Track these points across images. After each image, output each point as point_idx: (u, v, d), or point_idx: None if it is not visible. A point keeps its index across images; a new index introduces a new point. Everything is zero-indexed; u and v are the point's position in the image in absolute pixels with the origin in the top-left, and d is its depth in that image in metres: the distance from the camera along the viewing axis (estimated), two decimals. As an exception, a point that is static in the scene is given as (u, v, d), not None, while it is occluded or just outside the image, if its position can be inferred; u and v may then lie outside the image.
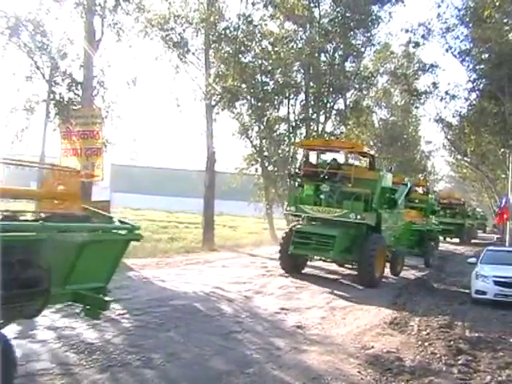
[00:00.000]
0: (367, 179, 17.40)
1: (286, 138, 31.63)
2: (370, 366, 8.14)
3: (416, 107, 43.97)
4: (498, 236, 44.97)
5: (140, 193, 57.63)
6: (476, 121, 36.24)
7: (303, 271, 17.77)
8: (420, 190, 28.08)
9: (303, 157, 19.19)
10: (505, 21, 30.97)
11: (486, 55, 33.48)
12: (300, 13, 29.29)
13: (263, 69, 29.97)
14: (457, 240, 41.90)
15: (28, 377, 6.57)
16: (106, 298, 6.49)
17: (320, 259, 17.95)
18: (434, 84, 38.04)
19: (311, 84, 30.97)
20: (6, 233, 4.99)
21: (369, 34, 32.04)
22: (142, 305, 10.89)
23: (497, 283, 14.11)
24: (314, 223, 17.77)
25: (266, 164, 31.48)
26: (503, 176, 40.58)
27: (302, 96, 31.65)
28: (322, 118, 31.96)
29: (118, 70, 20.17)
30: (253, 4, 27.63)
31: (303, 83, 31.38)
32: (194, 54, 27.42)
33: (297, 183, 19.38)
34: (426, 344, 9.68)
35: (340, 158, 19.58)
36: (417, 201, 26.18)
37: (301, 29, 30.74)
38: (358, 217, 16.43)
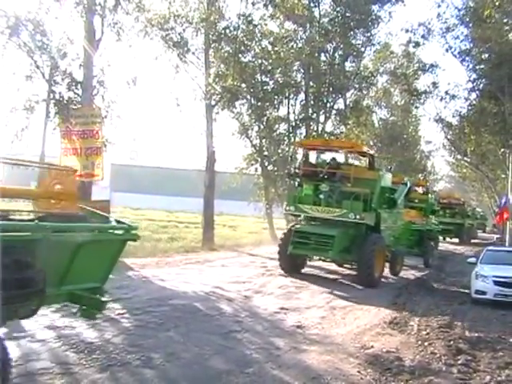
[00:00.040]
0: (367, 179, 17.38)
1: (285, 138, 31.63)
2: (370, 366, 8.15)
3: (416, 107, 43.96)
4: (498, 236, 44.97)
5: (140, 192, 57.62)
6: (476, 121, 36.23)
7: (303, 271, 17.76)
8: (420, 189, 28.07)
9: (303, 156, 19.16)
10: (505, 21, 30.97)
11: (486, 55, 33.48)
12: (300, 12, 29.28)
13: (263, 68, 29.97)
14: (456, 240, 41.90)
15: (28, 376, 6.58)
16: (103, 299, 6.49)
17: (319, 259, 17.95)
18: (434, 84, 38.04)
19: (311, 84, 30.97)
20: (0, 233, 4.94)
21: (369, 34, 32.03)
22: (142, 304, 10.88)
23: (497, 283, 14.11)
24: (313, 223, 17.75)
25: (266, 164, 31.49)
26: (503, 176, 40.56)
27: (301, 96, 31.67)
28: (321, 118, 31.98)
29: (118, 70, 20.22)
30: (253, 4, 27.63)
31: (303, 83, 31.38)
32: (193, 53, 27.44)
33: (296, 183, 19.35)
34: (426, 344, 9.68)
35: (340, 157, 19.57)
36: (416, 200, 26.16)
37: (301, 28, 30.74)
38: (358, 217, 16.39)
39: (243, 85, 28.92)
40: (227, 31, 27.29)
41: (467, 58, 35.02)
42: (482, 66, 34.38)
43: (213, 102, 27.33)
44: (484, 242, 38.17)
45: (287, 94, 31.14)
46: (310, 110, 31.34)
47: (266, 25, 29.96)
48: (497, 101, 33.69)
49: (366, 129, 41.36)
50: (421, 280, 19.43)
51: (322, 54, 31.76)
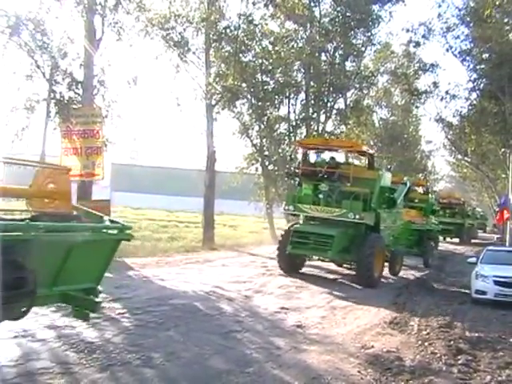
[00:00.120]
0: (366, 178, 17.35)
1: (286, 138, 31.63)
2: (370, 366, 8.14)
3: (416, 107, 43.98)
4: (499, 236, 44.96)
5: (140, 192, 57.64)
6: (476, 120, 36.21)
7: (303, 271, 17.75)
8: (420, 189, 28.07)
9: (302, 156, 19.13)
10: (505, 20, 30.97)
11: (487, 55, 33.46)
12: (300, 12, 29.28)
13: (263, 68, 29.97)
14: (457, 240, 41.90)
15: (28, 376, 6.57)
16: (97, 299, 6.45)
17: (318, 259, 17.92)
18: (435, 84, 38.02)
19: (312, 83, 30.96)
20: None
21: (369, 34, 31.98)
22: (142, 304, 10.88)
23: (497, 283, 14.11)
24: (312, 223, 17.72)
25: (267, 163, 31.49)
26: (503, 176, 40.55)
27: (302, 95, 31.64)
28: (322, 118, 31.96)
29: (119, 69, 20.19)
30: (253, 3, 27.62)
31: (303, 83, 31.37)
32: (194, 53, 27.42)
33: (295, 182, 19.30)
34: (426, 344, 9.67)
35: (340, 157, 19.55)
36: (416, 200, 26.16)
37: (301, 28, 30.72)
38: (357, 216, 16.34)
39: (244, 84, 28.93)
40: (228, 31, 27.29)
41: (468, 58, 35.01)
42: (482, 66, 34.36)
43: (213, 102, 27.34)
44: (484, 242, 38.14)
45: (288, 94, 31.13)
46: (311, 110, 31.34)
47: (266, 24, 29.99)
48: (497, 101, 33.67)
49: (366, 128, 41.37)
50: (421, 280, 19.43)
51: (323, 54, 31.75)
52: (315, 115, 31.50)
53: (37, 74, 18.26)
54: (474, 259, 16.76)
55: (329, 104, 32.03)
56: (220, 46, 27.89)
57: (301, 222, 18.28)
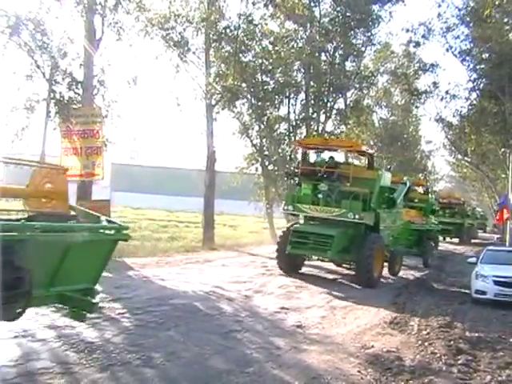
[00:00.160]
0: (366, 178, 17.31)
1: (286, 138, 31.62)
2: (370, 366, 8.14)
3: (416, 107, 44.00)
4: (499, 236, 44.96)
5: (140, 192, 57.67)
6: (476, 120, 36.22)
7: (302, 271, 17.74)
8: (420, 189, 28.06)
9: (302, 155, 19.10)
10: (505, 20, 30.97)
11: (487, 55, 33.48)
12: (300, 12, 29.26)
13: (263, 68, 29.96)
14: (456, 240, 41.90)
15: (28, 376, 6.57)
16: (94, 300, 6.39)
17: (318, 259, 17.88)
18: (435, 83, 38.07)
19: (311, 83, 30.95)
20: None
21: (369, 34, 31.99)
22: (142, 304, 10.89)
23: (497, 283, 14.11)
24: (312, 223, 17.69)
25: (267, 163, 31.48)
26: (503, 176, 40.56)
27: (302, 95, 31.63)
28: (322, 118, 31.95)
29: (119, 69, 20.20)
30: (253, 3, 27.60)
31: (303, 82, 31.36)
32: (194, 53, 27.41)
33: (295, 182, 19.26)
34: (426, 344, 9.67)
35: (340, 156, 19.53)
36: (416, 200, 26.14)
37: (301, 28, 30.71)
38: (357, 216, 16.28)
39: (243, 84, 28.92)
40: (228, 31, 27.29)
41: (467, 58, 35.04)
42: (482, 66, 34.38)
43: (213, 102, 27.33)
44: (484, 242, 38.16)
45: (288, 94, 31.12)
46: (311, 110, 31.33)
47: (266, 24, 29.96)
48: (497, 100, 33.69)
49: (366, 128, 41.37)
50: (421, 280, 19.43)
51: (323, 54, 31.75)
52: (315, 115, 31.50)
53: (37, 74, 18.26)
54: (473, 259, 16.76)
55: (329, 104, 32.02)
56: (220, 46, 27.89)
57: (301, 221, 18.26)
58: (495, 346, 9.72)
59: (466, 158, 45.80)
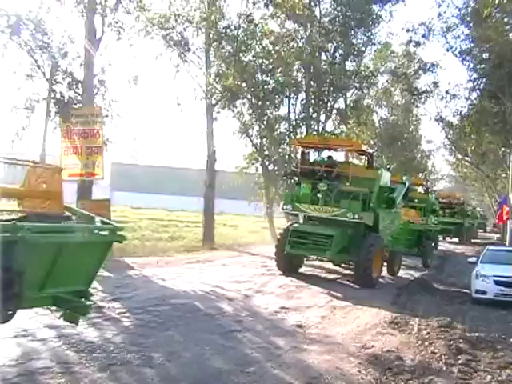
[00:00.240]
0: (365, 178, 17.21)
1: (286, 137, 31.62)
2: (370, 366, 8.14)
3: (416, 106, 44.07)
4: (499, 235, 44.98)
5: (140, 191, 57.70)
6: (476, 120, 36.23)
7: (303, 270, 17.72)
8: (420, 189, 28.04)
9: (301, 154, 19.05)
10: (505, 20, 30.97)
11: (487, 55, 33.47)
12: (300, 12, 29.27)
13: (264, 68, 29.96)
14: (457, 240, 41.88)
15: (28, 375, 6.57)
16: (88, 302, 6.32)
17: (316, 259, 17.82)
18: (435, 83, 38.15)
19: (312, 83, 30.96)
20: None
21: (369, 34, 32.04)
22: (143, 303, 10.89)
23: (497, 283, 14.10)
24: (311, 222, 17.63)
25: (267, 163, 31.47)
26: (504, 175, 40.62)
27: (302, 95, 31.65)
28: (322, 117, 31.99)
29: (119, 69, 20.23)
30: (253, 3, 27.57)
31: (304, 82, 31.37)
32: (194, 52, 27.39)
33: (293, 182, 19.19)
34: (426, 343, 9.67)
35: (340, 156, 19.50)
36: (416, 200, 26.12)
37: (301, 28, 30.73)
38: (356, 216, 16.14)
39: (244, 84, 28.89)
40: (228, 30, 27.27)
41: (468, 58, 35.03)
42: (482, 66, 34.38)
43: (213, 102, 27.32)
44: (484, 242, 38.17)
45: (288, 94, 31.14)
46: (311, 110, 31.33)
47: (266, 24, 30.00)
48: (497, 100, 33.70)
49: (366, 128, 41.41)
50: (421, 280, 19.40)
51: (323, 54, 31.78)
52: (315, 115, 31.51)
53: (37, 74, 18.29)
54: (474, 259, 16.77)
55: (329, 104, 32.04)
56: (220, 46, 27.86)
57: (301, 221, 18.23)
58: (495, 345, 9.72)
59: (466, 158, 45.82)
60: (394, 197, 18.78)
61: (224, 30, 27.21)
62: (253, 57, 29.76)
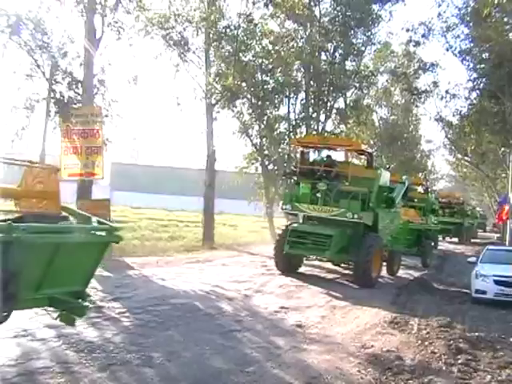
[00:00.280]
0: (365, 177, 17.16)
1: (286, 137, 31.62)
2: (370, 365, 8.14)
3: (416, 106, 44.06)
4: (499, 235, 44.98)
5: (140, 191, 57.71)
6: (476, 120, 36.24)
7: (302, 270, 17.70)
8: (420, 188, 28.03)
9: (300, 154, 19.02)
10: (505, 20, 30.97)
11: (487, 54, 33.48)
12: (300, 12, 29.25)
13: (263, 68, 29.96)
14: (456, 239, 41.88)
15: (28, 375, 6.56)
16: (84, 303, 6.30)
17: (316, 259, 17.78)
18: (435, 83, 38.16)
19: (311, 83, 30.96)
20: None
21: (369, 33, 32.02)
22: (142, 303, 10.88)
23: (497, 282, 14.10)
24: (310, 222, 17.59)
25: (267, 163, 31.48)
26: (503, 175, 40.62)
27: (302, 95, 31.64)
28: (322, 117, 31.98)
29: (119, 69, 20.27)
30: (253, 3, 27.58)
31: (303, 82, 31.36)
32: (194, 52, 27.41)
33: (293, 181, 19.16)
34: (426, 343, 9.66)
35: (340, 156, 19.46)
36: (416, 200, 26.10)
37: (301, 28, 30.72)
38: (355, 216, 16.10)
39: (243, 84, 28.90)
40: (228, 30, 27.28)
41: (467, 58, 35.04)
42: (482, 66, 34.38)
43: (213, 101, 27.33)
44: (484, 242, 38.16)
45: (287, 93, 31.13)
46: (311, 109, 31.32)
47: (266, 24, 30.00)
48: (497, 100, 33.71)
49: (366, 128, 41.39)
50: (421, 280, 19.40)
51: (323, 53, 31.76)
52: (315, 115, 31.50)
53: (37, 74, 18.31)
54: (473, 259, 16.76)
55: (329, 103, 32.04)
56: (220, 46, 27.87)
57: (300, 221, 18.21)
58: (495, 345, 9.71)
59: (465, 158, 45.82)
60: (394, 196, 18.72)
61: (224, 30, 27.22)
62: (252, 56, 29.77)
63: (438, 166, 70.03)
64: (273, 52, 29.96)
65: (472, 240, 43.37)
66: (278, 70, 30.18)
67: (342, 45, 31.10)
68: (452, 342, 9.71)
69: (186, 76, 29.84)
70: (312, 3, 30.46)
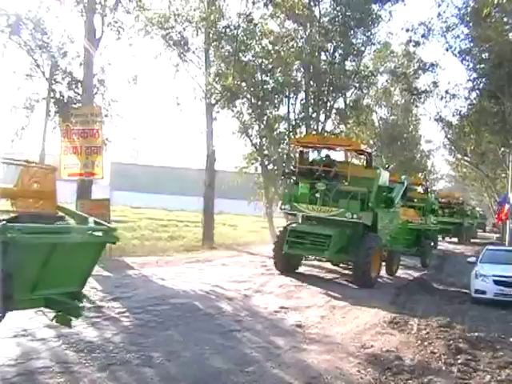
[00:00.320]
0: (364, 177, 17.13)
1: (286, 137, 31.60)
2: (370, 365, 8.14)
3: (416, 106, 43.99)
4: (498, 235, 44.98)
5: (140, 191, 57.70)
6: (476, 120, 36.22)
7: (302, 270, 17.70)
8: (419, 188, 28.02)
9: (299, 154, 19.00)
10: (505, 20, 30.97)
11: (486, 54, 33.45)
12: (300, 12, 29.22)
13: (263, 68, 29.93)
14: (456, 239, 41.89)
15: (28, 375, 6.57)
16: (80, 304, 6.27)
17: (315, 259, 17.76)
18: (434, 83, 38.12)
19: (311, 83, 30.93)
20: None
21: (369, 33, 31.97)
22: (142, 303, 10.89)
23: (497, 282, 14.10)
24: (309, 222, 17.56)
25: (266, 163, 31.46)
26: (503, 175, 40.63)
27: (302, 95, 31.59)
28: (322, 117, 31.93)
29: (119, 69, 20.30)
30: (253, 3, 27.57)
31: (303, 82, 31.33)
32: (194, 52, 27.42)
33: (292, 181, 19.14)
34: (426, 343, 9.67)
35: (339, 155, 19.44)
36: (416, 200, 26.10)
37: (301, 28, 30.68)
38: (355, 216, 16.04)
39: (243, 84, 28.88)
40: (227, 30, 27.27)
41: (467, 58, 35.00)
42: (482, 66, 34.36)
43: (213, 101, 27.33)
44: (484, 242, 38.18)
45: (287, 93, 31.08)
46: (310, 109, 31.29)
47: (266, 24, 29.96)
48: (497, 100, 33.69)
49: (366, 128, 41.37)
50: (420, 280, 19.41)
51: (322, 53, 31.72)
52: (315, 115, 31.47)
53: (36, 74, 18.34)
54: (473, 259, 16.77)
55: (328, 103, 32.00)
56: (220, 46, 27.86)
57: (299, 221, 18.19)
58: (495, 345, 9.72)
59: (465, 158, 45.81)
60: (393, 196, 18.68)
61: (223, 30, 27.22)
62: (252, 56, 29.75)
63: (438, 166, 70.10)
64: (272, 52, 29.94)
65: (472, 240, 43.38)
66: (278, 69, 30.15)
67: (342, 45, 31.07)
68: (452, 341, 9.72)
69: (186, 76, 29.86)
70: (312, 3, 30.42)
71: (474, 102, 36.52)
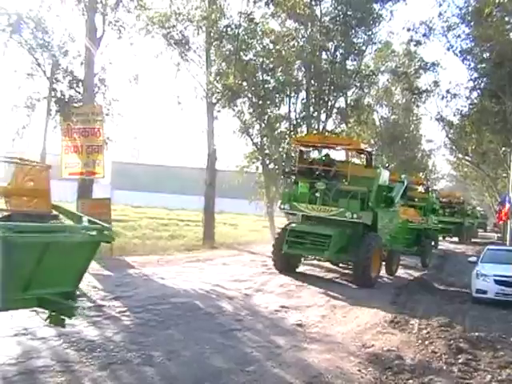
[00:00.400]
0: (364, 177, 17.07)
1: (286, 136, 31.58)
2: (371, 365, 8.14)
3: (417, 106, 43.98)
4: (499, 235, 44.95)
5: (141, 190, 57.69)
6: (477, 119, 36.22)
7: (302, 270, 17.69)
8: (420, 188, 27.99)
9: (299, 153, 18.96)
10: (506, 19, 30.95)
11: (487, 54, 33.45)
12: (301, 11, 29.19)
13: (264, 67, 29.90)
14: (457, 239, 41.87)
15: (28, 374, 6.57)
16: (74, 304, 6.23)
17: (314, 258, 17.70)
18: (435, 82, 38.15)
19: (312, 82, 30.91)
20: None
21: (370, 33, 31.97)
22: (143, 302, 10.89)
23: (497, 282, 14.09)
24: (309, 222, 17.50)
25: (267, 162, 31.44)
26: (504, 175, 40.59)
27: (303, 94, 31.58)
28: (323, 116, 31.91)
29: (120, 68, 20.30)
30: (254, 2, 27.54)
31: (304, 81, 31.32)
32: (195, 51, 27.38)
33: (291, 180, 19.08)
34: (427, 343, 9.67)
35: (339, 154, 19.38)
36: (416, 199, 26.07)
37: (302, 27, 30.66)
38: (355, 216, 15.98)
39: (244, 83, 28.86)
40: (228, 29, 27.24)
41: (468, 57, 35.02)
42: (483, 65, 34.36)
43: (214, 100, 27.31)
44: (485, 241, 38.15)
45: (288, 93, 31.06)
46: (311, 109, 31.27)
47: (267, 23, 29.94)
48: (498, 100, 33.67)
49: (366, 127, 41.35)
50: (421, 279, 19.40)
51: (324, 53, 31.70)
52: (316, 114, 31.45)
53: (37, 73, 18.32)
54: (474, 258, 16.75)
55: (329, 103, 31.97)
56: (221, 45, 27.83)
57: (299, 220, 18.15)
58: (496, 345, 9.72)
59: (466, 157, 45.84)
60: (393, 196, 18.59)
61: (225, 29, 27.18)
62: (253, 56, 29.72)
63: (439, 166, 70.23)
64: (274, 51, 29.91)
65: (472, 240, 43.37)
66: (279, 69, 30.13)
67: (343, 44, 31.05)
68: (452, 341, 9.72)
69: (187, 75, 29.69)
70: (313, 2, 30.38)
71: (475, 101, 36.53)
